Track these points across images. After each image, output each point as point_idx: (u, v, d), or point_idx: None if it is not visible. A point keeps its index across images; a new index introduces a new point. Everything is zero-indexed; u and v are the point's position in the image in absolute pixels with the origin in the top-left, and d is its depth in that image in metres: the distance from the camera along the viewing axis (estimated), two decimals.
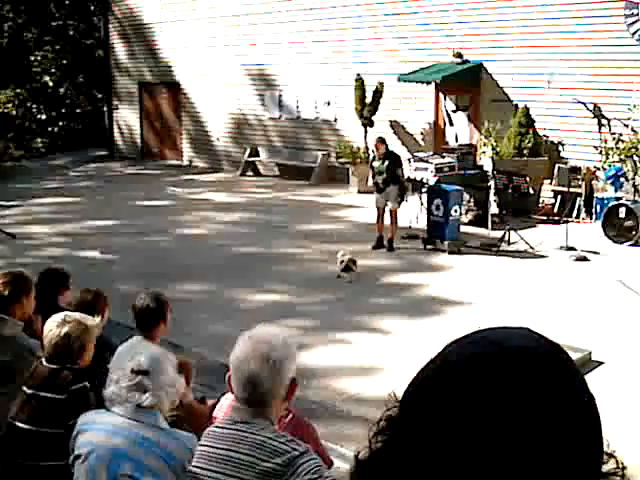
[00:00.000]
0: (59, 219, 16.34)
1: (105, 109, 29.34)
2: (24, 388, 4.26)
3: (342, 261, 11.52)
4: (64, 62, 30.16)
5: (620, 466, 1.01)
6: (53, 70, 30.06)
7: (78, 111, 30.59)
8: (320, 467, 2.76)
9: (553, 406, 0.96)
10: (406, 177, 14.08)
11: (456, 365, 1.00)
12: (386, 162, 13.27)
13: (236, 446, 2.82)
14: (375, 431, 1.06)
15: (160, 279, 10.93)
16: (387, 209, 13.44)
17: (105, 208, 17.69)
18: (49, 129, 29.75)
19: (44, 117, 29.72)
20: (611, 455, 1.01)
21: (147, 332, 5.23)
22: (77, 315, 4.54)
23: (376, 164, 13.51)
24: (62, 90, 30.40)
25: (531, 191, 14.05)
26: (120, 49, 27.96)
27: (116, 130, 28.67)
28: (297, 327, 9.13)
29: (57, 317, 4.47)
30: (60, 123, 30.14)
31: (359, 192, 18.55)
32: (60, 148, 29.32)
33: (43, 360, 4.38)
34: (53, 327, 4.39)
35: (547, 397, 0.96)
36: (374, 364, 8.34)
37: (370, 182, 14.28)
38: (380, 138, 13.86)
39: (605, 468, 1.00)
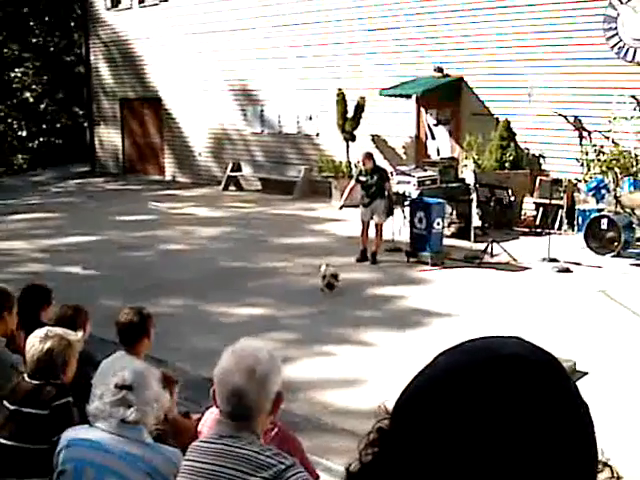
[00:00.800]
0: (40, 235, 16.26)
1: (86, 125, 29.28)
2: (6, 404, 4.22)
3: (324, 276, 11.51)
4: (44, 78, 30.09)
5: (615, 475, 1.00)
6: (34, 86, 29.98)
7: (58, 126, 30.47)
8: None
9: (547, 414, 0.94)
10: (394, 191, 14.16)
11: (446, 374, 0.99)
12: (375, 177, 13.35)
13: (222, 460, 2.79)
14: (365, 443, 1.05)
15: (142, 294, 10.89)
16: (372, 223, 13.48)
17: (87, 224, 17.61)
18: (30, 145, 29.65)
19: (25, 133, 29.62)
20: (606, 464, 1.00)
21: (131, 347, 5.20)
22: (59, 330, 4.51)
23: (363, 178, 13.53)
24: (42, 106, 30.31)
25: (512, 199, 14.08)
26: (101, 65, 27.94)
27: (98, 146, 28.62)
28: (280, 340, 9.11)
29: (39, 332, 4.44)
30: (41, 139, 30.05)
31: (341, 207, 18.56)
32: (41, 164, 29.26)
33: (25, 376, 4.34)
34: (35, 342, 4.35)
35: (541, 405, 0.94)
36: (358, 376, 8.33)
37: (344, 196, 14.23)
38: (368, 153, 13.94)
39: (600, 477, 0.99)
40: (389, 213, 13.65)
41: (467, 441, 0.92)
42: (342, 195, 14.78)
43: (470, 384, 0.95)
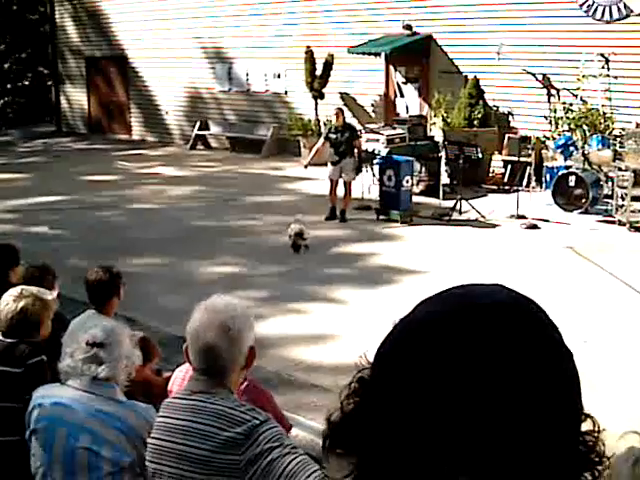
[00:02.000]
0: (7, 195, 16.06)
1: (51, 84, 28.86)
2: None
3: (290, 235, 11.53)
4: (7, 37, 29.55)
5: (597, 427, 1.00)
6: None
7: (20, 85, 29.97)
8: (281, 435, 2.75)
9: (529, 362, 0.94)
10: (363, 149, 14.18)
11: (425, 322, 0.99)
12: (345, 134, 13.34)
13: (195, 416, 2.79)
14: (347, 393, 1.05)
15: (111, 253, 10.81)
16: (341, 181, 13.48)
17: (54, 183, 17.42)
18: None
19: None
20: (588, 415, 1.00)
21: (100, 306, 5.18)
22: (34, 289, 4.48)
23: (333, 136, 13.51)
24: (6, 66, 29.79)
25: (480, 156, 14.13)
26: (67, 23, 27.48)
27: (64, 105, 28.23)
28: (251, 298, 9.10)
29: (13, 291, 4.41)
30: (5, 99, 29.58)
31: (306, 165, 18.51)
32: (6, 124, 28.82)
33: None
34: (10, 301, 4.33)
35: (522, 353, 0.94)
36: (329, 333, 8.39)
37: (311, 155, 14.22)
38: (339, 108, 13.98)
39: (582, 428, 1.00)
40: (358, 171, 13.67)
41: (447, 388, 0.92)
42: (308, 156, 14.74)
43: (449, 331, 0.95)
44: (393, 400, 0.96)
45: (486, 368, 0.92)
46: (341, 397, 1.05)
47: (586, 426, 1.00)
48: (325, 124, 14.91)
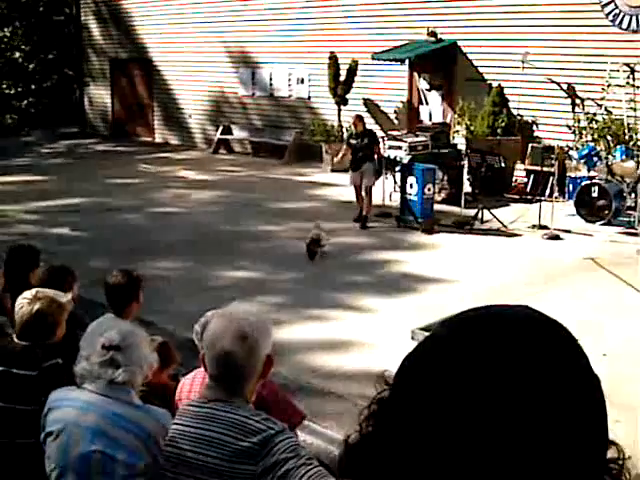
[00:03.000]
0: (29, 196, 16.15)
1: (76, 86, 29.02)
2: None
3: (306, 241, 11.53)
4: (34, 38, 29.75)
5: (621, 455, 0.95)
6: (23, 46, 29.65)
7: (47, 86, 30.14)
8: (297, 446, 2.72)
9: (564, 382, 0.89)
10: (385, 156, 14.22)
11: (451, 341, 0.94)
12: (365, 140, 13.39)
13: (211, 425, 2.77)
14: (365, 415, 1.01)
15: (131, 256, 10.85)
16: (363, 186, 13.51)
17: (76, 185, 17.50)
18: (17, 104, 29.37)
19: (12, 92, 29.33)
20: (613, 442, 0.95)
21: (119, 310, 5.15)
22: (49, 291, 4.46)
23: (353, 141, 13.59)
24: (32, 66, 29.99)
25: (503, 165, 14.08)
26: (92, 25, 27.66)
27: (87, 107, 28.40)
28: (271, 304, 9.10)
29: (28, 294, 4.39)
30: (30, 99, 29.76)
31: (332, 170, 18.49)
32: (31, 125, 28.99)
33: (14, 337, 4.31)
34: (24, 304, 4.31)
35: (558, 372, 0.89)
36: (348, 340, 8.34)
37: (337, 159, 14.31)
38: (358, 116, 14.03)
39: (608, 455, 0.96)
40: (378, 175, 13.69)
41: (472, 412, 0.87)
42: (334, 159, 14.76)
43: (477, 353, 0.90)
44: (413, 423, 0.91)
45: (516, 391, 0.88)
46: (360, 418, 1.02)
47: (610, 453, 0.96)
48: (347, 130, 14.92)
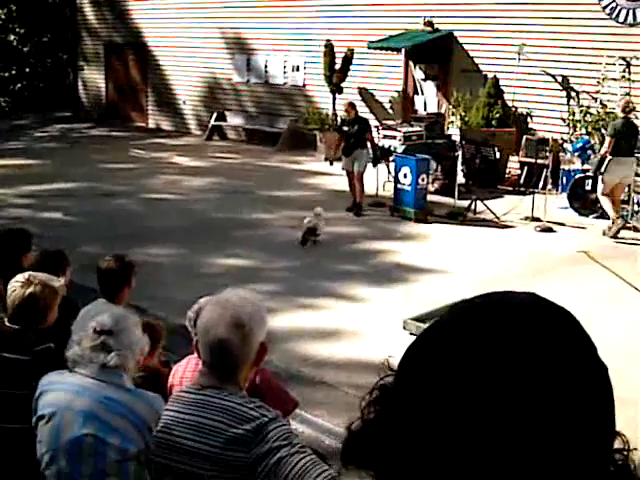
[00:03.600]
0: (22, 180, 16.09)
1: (70, 69, 28.90)
2: None
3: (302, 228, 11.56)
4: (29, 21, 29.58)
5: (627, 446, 0.94)
6: (17, 29, 29.50)
7: (40, 69, 30.02)
8: (290, 434, 2.72)
9: (571, 368, 0.88)
10: (376, 142, 14.23)
11: (458, 325, 0.93)
12: (356, 126, 13.42)
13: (204, 412, 2.76)
14: (368, 401, 1.00)
15: (124, 242, 10.83)
16: (355, 172, 13.54)
17: (69, 170, 17.44)
18: (11, 87, 29.25)
19: (6, 75, 29.20)
20: (618, 433, 0.94)
21: (111, 295, 5.14)
22: (42, 275, 4.44)
23: (345, 128, 13.65)
24: (26, 49, 29.85)
25: (497, 157, 14.09)
26: (87, 9, 27.50)
27: (81, 91, 28.28)
28: (263, 292, 9.07)
29: (21, 277, 4.37)
30: (24, 82, 29.64)
31: (326, 159, 18.46)
32: (24, 108, 28.87)
33: (6, 320, 4.29)
34: (17, 287, 4.29)
35: (564, 357, 0.88)
36: (339, 329, 8.36)
37: (338, 154, 14.36)
38: (351, 103, 14.09)
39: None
40: (374, 162, 13.72)
41: (478, 397, 0.86)
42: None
43: (484, 337, 0.89)
44: (417, 409, 0.90)
45: (523, 379, 0.86)
46: (362, 405, 1.01)
47: (616, 444, 0.95)
48: (342, 117, 14.92)
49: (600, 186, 12.54)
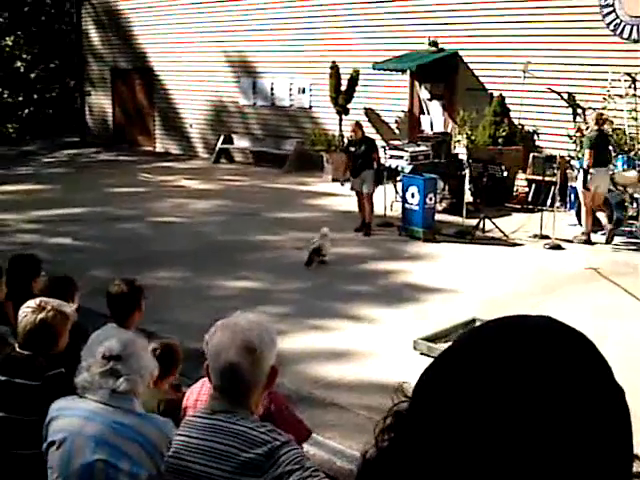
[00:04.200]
0: (31, 206, 16.15)
1: (77, 95, 29.06)
2: None
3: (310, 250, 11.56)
4: (36, 47, 29.80)
5: None
6: (24, 56, 29.70)
7: (48, 95, 30.19)
8: (302, 458, 2.70)
9: (588, 392, 0.87)
10: (382, 163, 14.25)
11: (469, 350, 0.92)
12: (363, 147, 13.43)
13: (215, 436, 2.75)
14: (381, 428, 1.00)
15: (132, 266, 10.83)
16: (363, 193, 13.55)
17: (77, 195, 17.50)
18: (19, 113, 29.43)
19: (14, 101, 29.38)
20: (637, 457, 0.92)
21: (122, 320, 5.14)
22: (53, 301, 4.44)
23: (352, 148, 13.67)
24: (33, 75, 30.04)
25: (505, 175, 14.10)
26: (93, 34, 27.70)
27: (88, 116, 28.42)
28: (272, 314, 9.05)
29: (32, 303, 4.37)
30: (31, 108, 29.81)
31: (334, 180, 18.48)
32: (31, 134, 29.03)
33: (16, 346, 4.29)
34: (28, 313, 4.29)
35: (580, 382, 0.87)
36: (350, 351, 8.32)
37: (346, 175, 14.38)
38: (357, 122, 14.09)
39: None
40: (378, 182, 13.71)
41: (497, 424, 0.85)
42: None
43: (502, 362, 0.88)
44: (433, 436, 0.89)
45: (540, 405, 0.85)
46: (376, 432, 1.00)
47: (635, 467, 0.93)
48: (349, 138, 14.95)
49: (581, 197, 12.91)
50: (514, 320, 0.96)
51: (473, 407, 0.87)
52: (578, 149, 15.46)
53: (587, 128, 13.81)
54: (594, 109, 15.44)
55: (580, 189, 12.90)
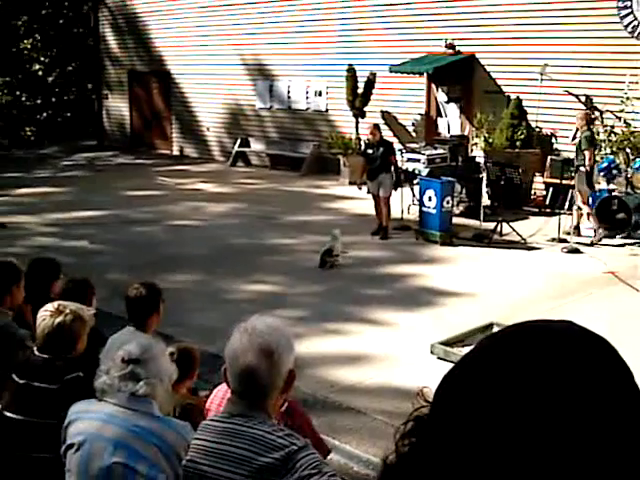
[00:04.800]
0: (48, 209, 16.22)
1: (95, 98, 29.19)
2: (15, 378, 4.18)
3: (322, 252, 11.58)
4: (54, 51, 29.96)
5: None
6: (42, 59, 29.86)
7: (66, 98, 30.35)
8: (319, 462, 2.68)
9: (612, 398, 0.86)
10: (399, 166, 14.21)
11: (491, 355, 0.91)
12: (380, 149, 13.39)
13: (233, 440, 2.74)
14: (402, 433, 0.99)
15: (150, 269, 10.86)
16: (380, 197, 13.53)
17: (95, 198, 17.58)
18: (37, 116, 29.59)
19: (32, 104, 29.55)
20: None
21: (140, 323, 5.15)
22: (71, 305, 4.45)
23: (370, 151, 13.62)
24: (51, 79, 30.19)
25: (522, 178, 14.07)
26: (110, 38, 27.81)
27: (106, 120, 28.53)
28: (289, 317, 9.05)
29: (50, 306, 4.39)
30: (49, 112, 29.96)
31: (351, 183, 18.46)
32: (49, 137, 29.17)
33: (35, 349, 4.30)
34: (46, 316, 4.30)
35: (604, 388, 0.87)
36: (367, 354, 8.30)
37: (363, 178, 14.36)
38: (376, 125, 14.03)
39: None
40: (395, 186, 13.67)
41: (519, 429, 0.84)
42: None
43: (524, 367, 0.87)
44: (455, 442, 0.88)
45: (564, 410, 0.85)
46: (396, 437, 0.99)
47: None
48: (366, 141, 14.94)
49: (577, 197, 13.15)
50: (537, 326, 0.95)
51: (496, 413, 0.86)
52: (596, 152, 15.39)
53: (577, 129, 13.77)
54: (611, 112, 15.39)
55: (584, 190, 12.91)
